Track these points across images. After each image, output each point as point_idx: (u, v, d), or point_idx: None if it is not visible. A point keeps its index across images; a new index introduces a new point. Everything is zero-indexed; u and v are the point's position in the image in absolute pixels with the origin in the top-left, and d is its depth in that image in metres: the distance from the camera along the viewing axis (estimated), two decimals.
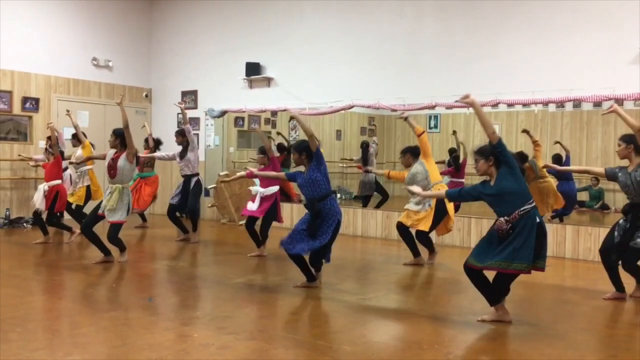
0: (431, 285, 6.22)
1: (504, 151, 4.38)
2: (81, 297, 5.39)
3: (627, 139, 5.15)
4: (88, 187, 8.71)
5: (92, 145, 8.82)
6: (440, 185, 6.73)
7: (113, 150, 6.61)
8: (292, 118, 5.90)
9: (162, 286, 6.11)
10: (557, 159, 9.11)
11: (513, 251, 4.28)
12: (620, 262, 5.25)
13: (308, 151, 5.50)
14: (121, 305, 5.12)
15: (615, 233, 5.22)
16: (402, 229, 6.93)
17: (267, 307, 5.14)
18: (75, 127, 8.52)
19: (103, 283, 6.02)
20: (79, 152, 8.71)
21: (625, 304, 5.22)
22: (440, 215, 6.73)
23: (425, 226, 6.73)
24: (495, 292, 4.55)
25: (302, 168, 5.72)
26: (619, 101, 8.14)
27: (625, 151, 5.14)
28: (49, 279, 6.19)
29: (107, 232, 6.55)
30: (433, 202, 6.67)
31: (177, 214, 8.52)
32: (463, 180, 9.58)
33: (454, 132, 10.04)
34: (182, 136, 8.30)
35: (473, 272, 4.53)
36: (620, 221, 5.25)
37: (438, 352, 3.94)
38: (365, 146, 10.38)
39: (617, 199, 10.72)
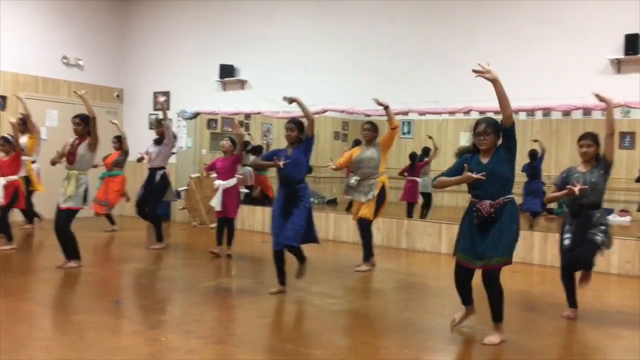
0: (401, 290, 6.24)
1: (514, 137, 4.16)
2: (46, 300, 5.28)
3: (597, 140, 4.99)
4: (26, 177, 8.38)
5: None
6: (384, 177, 6.82)
7: (72, 138, 6.53)
8: (292, 101, 5.58)
9: (130, 289, 6.01)
10: (532, 154, 9.39)
11: (502, 244, 4.10)
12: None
13: (304, 133, 5.51)
14: (87, 309, 5.02)
15: (567, 242, 4.99)
16: (366, 225, 6.92)
17: (236, 311, 5.10)
18: (27, 114, 8.16)
19: (69, 286, 5.91)
20: (23, 139, 8.43)
21: (593, 311, 5.29)
22: (380, 203, 6.82)
23: (370, 214, 6.78)
24: (471, 294, 4.41)
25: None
26: (588, 110, 8.34)
27: (594, 152, 4.97)
28: (12, 282, 6.02)
29: (55, 220, 6.39)
30: (377, 190, 6.72)
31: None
32: (418, 179, 9.87)
33: (430, 137, 10.25)
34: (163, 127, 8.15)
35: (463, 271, 4.29)
36: (567, 227, 5.03)
37: (406, 356, 3.95)
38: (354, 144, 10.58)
39: None
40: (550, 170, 9.89)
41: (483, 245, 4.14)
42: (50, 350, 3.87)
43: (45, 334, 4.23)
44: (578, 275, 5.13)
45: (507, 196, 4.16)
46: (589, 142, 4.97)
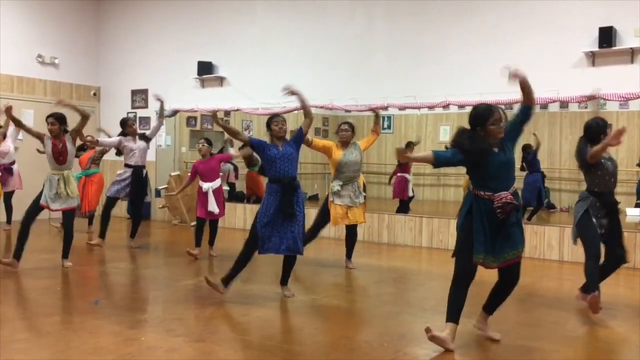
0: (382, 285, 6.27)
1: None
2: (23, 301, 5.22)
3: None
4: None
5: None
6: (361, 177, 6.75)
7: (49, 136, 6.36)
8: (293, 93, 5.42)
9: (109, 289, 5.96)
10: (526, 147, 9.54)
11: (519, 235, 3.95)
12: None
13: (299, 128, 5.34)
14: (66, 309, 4.98)
15: (600, 230, 4.82)
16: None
17: (217, 309, 5.07)
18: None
19: (47, 287, 5.82)
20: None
21: (571, 300, 5.36)
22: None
23: (364, 218, 6.75)
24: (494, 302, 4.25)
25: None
26: (564, 103, 8.42)
27: None
28: None
29: (64, 221, 6.43)
30: (363, 191, 6.65)
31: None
32: (407, 175, 9.84)
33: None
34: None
35: (474, 273, 4.01)
36: (599, 217, 4.80)
37: (387, 350, 3.97)
38: None
39: (563, 199, 11.09)
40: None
41: (500, 243, 3.90)
42: (27, 351, 3.83)
43: (22, 335, 4.18)
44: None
45: (514, 185, 3.99)
46: None
